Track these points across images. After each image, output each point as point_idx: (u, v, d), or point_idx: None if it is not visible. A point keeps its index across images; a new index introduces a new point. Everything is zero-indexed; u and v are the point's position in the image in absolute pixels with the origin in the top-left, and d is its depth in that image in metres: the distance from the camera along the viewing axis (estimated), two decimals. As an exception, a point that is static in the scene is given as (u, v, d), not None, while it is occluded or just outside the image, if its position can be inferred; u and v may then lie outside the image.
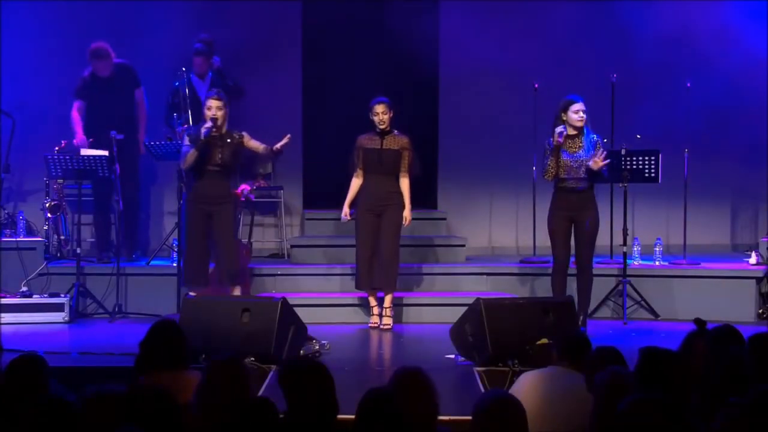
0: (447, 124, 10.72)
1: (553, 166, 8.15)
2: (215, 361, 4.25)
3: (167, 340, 4.98)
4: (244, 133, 8.38)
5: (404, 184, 8.59)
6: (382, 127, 8.52)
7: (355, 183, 8.65)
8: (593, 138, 8.26)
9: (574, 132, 8.20)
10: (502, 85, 10.50)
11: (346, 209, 8.65)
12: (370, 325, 8.63)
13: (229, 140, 8.27)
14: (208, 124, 8.17)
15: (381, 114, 8.51)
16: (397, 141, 8.58)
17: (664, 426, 3.31)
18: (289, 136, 8.47)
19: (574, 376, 4.88)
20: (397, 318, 8.74)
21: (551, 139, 8.18)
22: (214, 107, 8.20)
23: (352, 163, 8.64)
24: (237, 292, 8.36)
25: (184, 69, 9.49)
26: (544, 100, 9.95)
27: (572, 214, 8.21)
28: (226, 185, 8.35)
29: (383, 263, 8.53)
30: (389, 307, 8.61)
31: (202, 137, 8.15)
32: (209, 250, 8.37)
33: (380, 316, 8.63)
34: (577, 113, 8.17)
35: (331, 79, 10.73)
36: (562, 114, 8.21)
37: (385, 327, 8.55)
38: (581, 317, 8.22)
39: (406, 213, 8.58)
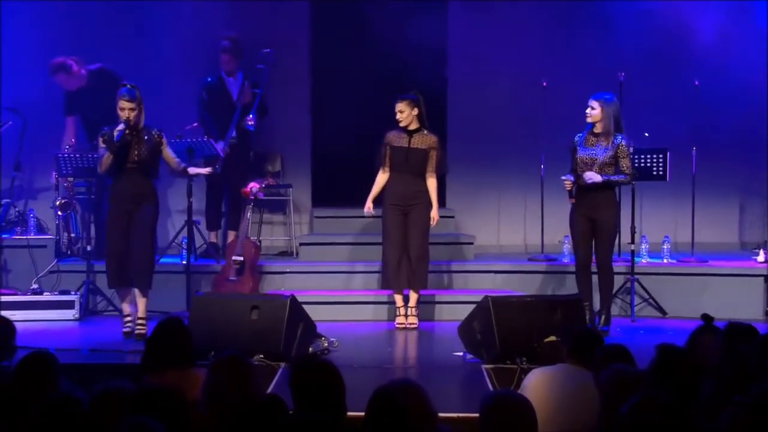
0: (455, 122, 10.69)
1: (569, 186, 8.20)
2: (218, 359, 4.25)
3: (173, 338, 4.96)
4: (163, 138, 8.08)
5: (431, 183, 8.52)
6: (401, 124, 8.48)
7: (380, 178, 8.57)
8: (618, 139, 8.10)
9: (598, 130, 8.11)
10: (510, 84, 10.49)
11: (369, 203, 8.58)
12: (396, 325, 8.55)
13: (146, 137, 7.98)
14: (121, 126, 7.84)
15: (398, 112, 8.46)
16: (426, 140, 8.50)
17: (668, 426, 3.29)
18: (209, 169, 8.52)
19: (584, 373, 4.86)
20: (405, 315, 8.72)
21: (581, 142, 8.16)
22: (126, 108, 7.85)
23: (379, 159, 8.57)
24: (141, 304, 7.98)
25: (267, 50, 9.55)
26: (552, 99, 9.94)
27: (590, 212, 8.12)
28: (146, 183, 8.03)
29: (413, 263, 8.46)
30: (415, 307, 8.54)
31: (115, 140, 7.85)
32: (128, 250, 7.99)
33: (405, 315, 8.56)
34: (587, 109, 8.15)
35: (340, 78, 10.72)
36: None
37: (411, 326, 8.49)
38: (603, 316, 8.16)
39: (434, 213, 8.50)
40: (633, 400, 3.36)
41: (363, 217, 8.81)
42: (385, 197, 8.55)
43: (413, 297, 8.56)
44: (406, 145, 8.48)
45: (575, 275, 8.31)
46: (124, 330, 8.05)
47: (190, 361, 4.95)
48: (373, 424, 3.62)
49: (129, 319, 8.07)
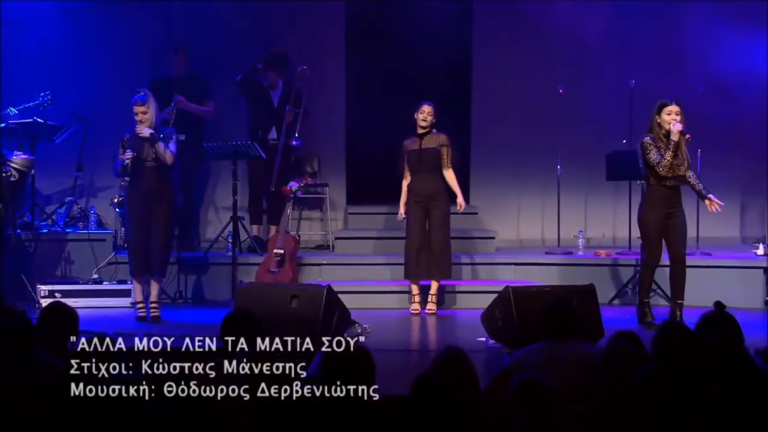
0: (479, 125, 10.69)
1: (669, 160, 7.77)
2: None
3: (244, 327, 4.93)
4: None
5: (449, 176, 8.66)
6: (423, 125, 8.58)
7: (405, 186, 8.72)
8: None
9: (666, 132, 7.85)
10: (529, 89, 10.45)
11: (402, 210, 8.74)
12: (411, 311, 8.63)
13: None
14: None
15: (427, 114, 8.57)
16: (435, 139, 8.63)
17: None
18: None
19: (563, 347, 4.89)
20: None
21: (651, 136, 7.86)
22: (139, 113, 8.03)
23: (401, 168, 8.71)
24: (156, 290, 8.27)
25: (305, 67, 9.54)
26: (568, 104, 9.94)
27: (669, 210, 7.87)
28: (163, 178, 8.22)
29: (435, 255, 8.56)
30: (435, 294, 8.63)
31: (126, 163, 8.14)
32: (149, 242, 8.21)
33: (422, 302, 8.62)
34: (669, 115, 7.87)
35: (373, 79, 10.64)
36: (656, 116, 7.91)
37: (429, 312, 8.58)
38: (678, 310, 7.87)
39: (459, 200, 8.68)
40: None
41: (394, 213, 8.90)
42: (410, 195, 8.70)
43: (434, 286, 8.64)
44: (418, 147, 8.58)
45: (642, 271, 8.12)
46: (139, 315, 8.24)
47: None
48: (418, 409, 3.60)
49: (142, 305, 8.27)
